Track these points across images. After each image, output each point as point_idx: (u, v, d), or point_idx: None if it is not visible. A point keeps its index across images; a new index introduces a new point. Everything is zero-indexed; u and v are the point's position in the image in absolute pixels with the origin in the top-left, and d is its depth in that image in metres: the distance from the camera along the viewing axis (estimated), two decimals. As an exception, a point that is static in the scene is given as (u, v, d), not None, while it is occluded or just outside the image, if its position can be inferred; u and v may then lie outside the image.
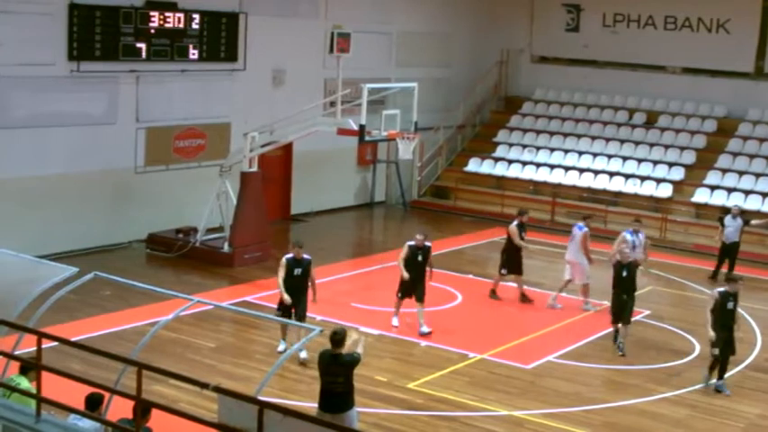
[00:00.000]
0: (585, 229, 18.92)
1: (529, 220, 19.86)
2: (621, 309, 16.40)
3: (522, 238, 19.01)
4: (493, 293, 19.38)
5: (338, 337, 11.06)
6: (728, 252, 21.05)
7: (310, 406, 11.59)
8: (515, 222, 19.15)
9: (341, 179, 27.70)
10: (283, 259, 15.33)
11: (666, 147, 28.16)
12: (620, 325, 16.46)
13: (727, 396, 14.63)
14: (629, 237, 18.62)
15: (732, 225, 21.21)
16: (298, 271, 15.20)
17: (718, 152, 27.57)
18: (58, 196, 20.50)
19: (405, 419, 13.25)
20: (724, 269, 21.12)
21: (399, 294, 17.11)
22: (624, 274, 16.42)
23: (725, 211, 22.84)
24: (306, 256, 15.34)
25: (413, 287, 16.87)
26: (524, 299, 19.17)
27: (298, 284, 15.20)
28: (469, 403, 13.89)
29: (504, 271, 19.17)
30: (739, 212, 21.65)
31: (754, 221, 22.00)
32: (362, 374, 14.64)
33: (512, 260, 19.04)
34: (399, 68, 28.21)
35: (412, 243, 16.95)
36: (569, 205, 26.91)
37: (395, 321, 17.22)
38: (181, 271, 20.19)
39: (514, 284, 19.28)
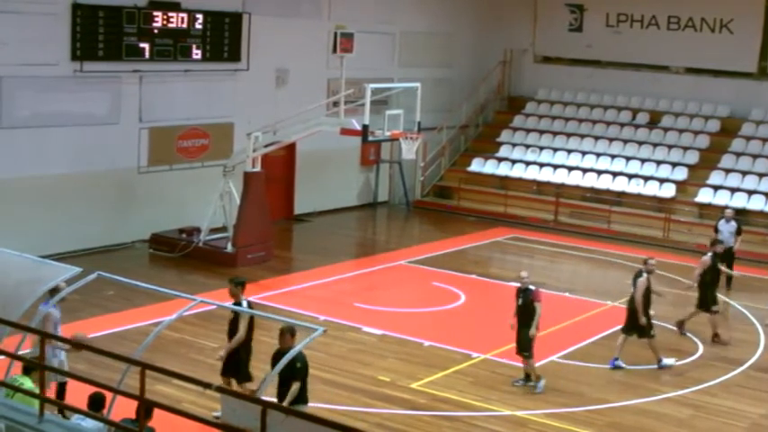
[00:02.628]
0: None
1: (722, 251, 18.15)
2: (518, 340, 14.63)
3: (718, 271, 17.59)
4: (716, 337, 17.24)
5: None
6: (725, 257, 20.42)
7: (313, 406, 11.59)
8: (709, 254, 17.60)
9: (344, 179, 27.69)
10: None
11: (670, 147, 28.13)
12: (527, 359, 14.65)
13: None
14: None
15: (726, 229, 20.90)
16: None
17: (721, 152, 27.53)
18: (61, 196, 20.50)
19: (408, 419, 13.24)
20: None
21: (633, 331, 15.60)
22: (520, 302, 14.50)
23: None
24: (247, 299, 12.90)
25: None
26: (681, 327, 17.60)
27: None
28: (473, 403, 13.88)
29: (715, 308, 17.35)
30: (733, 215, 21.34)
31: None
32: (365, 374, 14.72)
33: (712, 293, 17.39)
34: (402, 68, 28.21)
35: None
36: (572, 205, 26.90)
37: (621, 363, 15.58)
38: (184, 271, 20.19)
39: (688, 314, 17.68)
